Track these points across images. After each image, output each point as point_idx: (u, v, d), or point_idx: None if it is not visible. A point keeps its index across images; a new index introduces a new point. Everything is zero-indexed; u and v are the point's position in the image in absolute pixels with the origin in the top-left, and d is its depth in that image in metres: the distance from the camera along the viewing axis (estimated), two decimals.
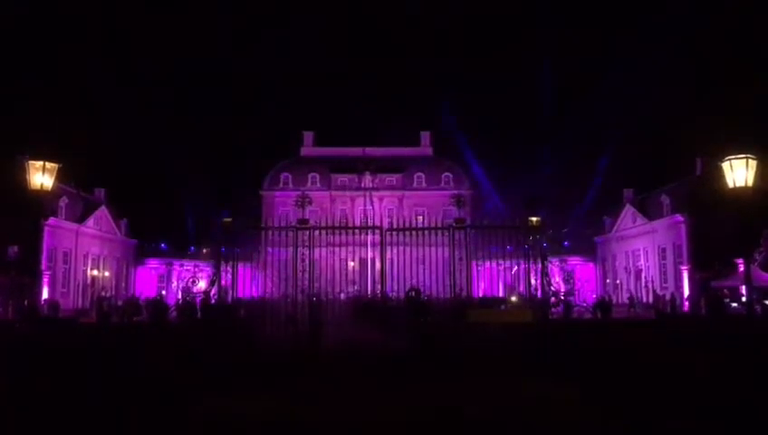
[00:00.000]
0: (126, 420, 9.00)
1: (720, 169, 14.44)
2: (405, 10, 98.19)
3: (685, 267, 43.84)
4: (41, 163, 13.35)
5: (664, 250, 47.35)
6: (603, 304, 27.70)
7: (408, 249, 19.31)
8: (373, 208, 53.19)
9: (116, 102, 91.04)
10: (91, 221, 49.73)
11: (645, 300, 46.12)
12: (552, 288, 18.84)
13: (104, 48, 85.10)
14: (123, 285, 54.53)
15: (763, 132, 29.75)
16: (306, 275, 19.38)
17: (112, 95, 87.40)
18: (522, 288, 20.57)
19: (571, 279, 22.47)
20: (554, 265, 39.26)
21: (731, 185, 13.79)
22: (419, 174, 61.84)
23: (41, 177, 13.34)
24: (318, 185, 60.56)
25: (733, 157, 13.74)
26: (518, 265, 19.65)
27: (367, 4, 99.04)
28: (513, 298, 21.87)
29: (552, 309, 18.91)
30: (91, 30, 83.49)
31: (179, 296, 42.76)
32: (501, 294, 34.20)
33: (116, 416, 9.25)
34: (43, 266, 40.92)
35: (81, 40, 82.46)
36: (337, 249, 23.74)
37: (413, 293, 18.42)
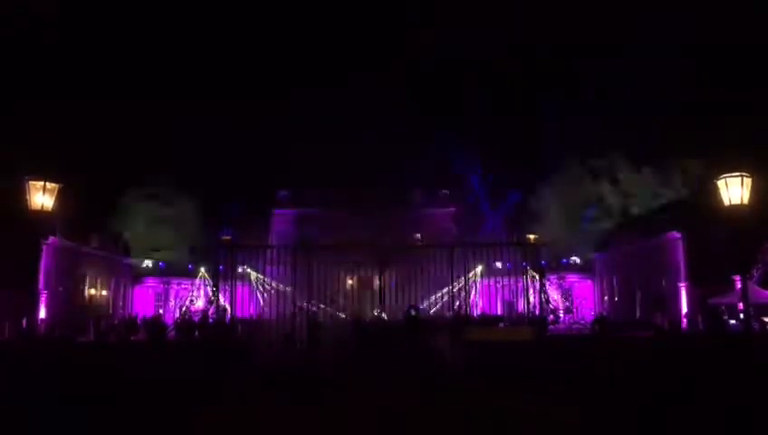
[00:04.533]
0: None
1: (716, 186, 14.56)
2: (406, 19, 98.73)
3: (682, 284, 43.84)
4: (41, 183, 13.40)
5: (661, 267, 47.36)
6: (602, 321, 27.71)
7: (406, 267, 19.39)
8: (372, 226, 53.21)
9: (114, 119, 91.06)
10: (89, 240, 49.69)
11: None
12: (551, 305, 18.89)
13: (102, 66, 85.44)
14: (121, 303, 54.33)
15: (759, 147, 29.92)
16: (305, 294, 19.44)
17: (110, 112, 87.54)
18: (520, 306, 20.62)
19: (569, 296, 22.50)
20: (552, 282, 39.30)
21: (726, 203, 13.91)
22: (417, 191, 61.95)
23: (41, 197, 13.38)
24: (317, 203, 60.64)
25: (728, 175, 13.88)
26: (516, 282, 19.73)
27: (365, 19, 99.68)
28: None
29: (551, 326, 18.96)
30: (89, 43, 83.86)
31: (177, 315, 42.74)
32: (500, 312, 34.21)
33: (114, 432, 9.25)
34: (41, 285, 40.81)
35: (79, 55, 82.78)
36: (336, 268, 23.82)
37: (412, 311, 18.47)
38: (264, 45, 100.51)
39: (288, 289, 19.97)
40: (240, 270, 20.38)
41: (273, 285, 20.97)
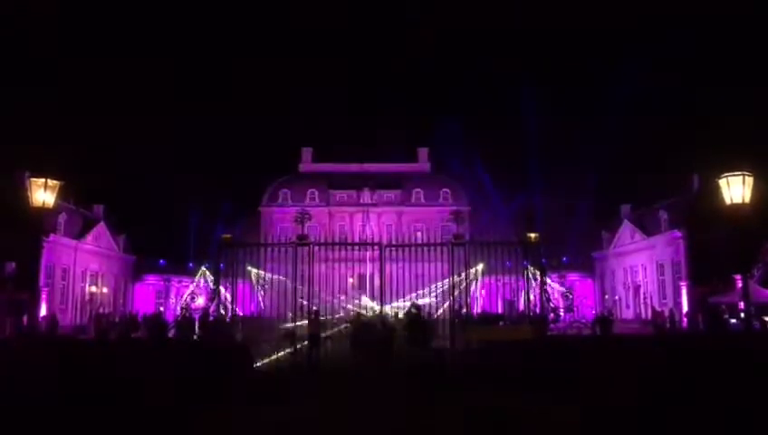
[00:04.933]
0: None
1: (717, 185, 14.55)
2: (405, 17, 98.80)
3: (683, 283, 43.86)
4: (42, 180, 13.40)
5: (662, 266, 47.38)
6: (603, 320, 27.69)
7: (407, 265, 19.36)
8: (372, 224, 53.32)
9: (114, 116, 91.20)
10: (89, 237, 49.72)
11: (643, 316, 46.11)
12: (551, 304, 18.89)
13: (101, 60, 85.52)
14: (121, 301, 54.40)
15: (760, 147, 29.93)
16: (305, 292, 19.42)
17: (109, 109, 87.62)
18: (520, 304, 20.59)
19: (570, 295, 22.52)
20: (553, 281, 39.24)
21: (728, 201, 13.89)
22: (417, 190, 61.99)
23: (42, 194, 13.39)
24: (317, 201, 60.66)
25: (729, 174, 13.86)
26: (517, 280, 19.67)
27: (365, 15, 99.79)
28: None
29: (551, 325, 18.94)
30: (90, 42, 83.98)
31: (178, 313, 42.75)
32: (500, 310, 34.19)
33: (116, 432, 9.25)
34: (42, 283, 40.82)
35: (79, 51, 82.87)
36: (336, 265, 23.80)
37: (414, 310, 18.42)
38: (264, 46, 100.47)
39: (288, 287, 19.95)
40: (240, 268, 20.35)
41: (274, 282, 20.93)
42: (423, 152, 66.23)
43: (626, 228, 52.89)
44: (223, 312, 19.69)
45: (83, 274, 49.10)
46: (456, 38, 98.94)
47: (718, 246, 32.77)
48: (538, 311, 18.95)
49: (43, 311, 39.49)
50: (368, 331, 17.93)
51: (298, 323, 19.22)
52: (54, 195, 13.74)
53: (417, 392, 12.72)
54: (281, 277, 20.49)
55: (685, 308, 41.54)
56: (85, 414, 10.19)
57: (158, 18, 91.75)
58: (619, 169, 72.01)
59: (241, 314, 21.34)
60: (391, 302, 23.17)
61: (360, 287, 37.03)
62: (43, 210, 13.60)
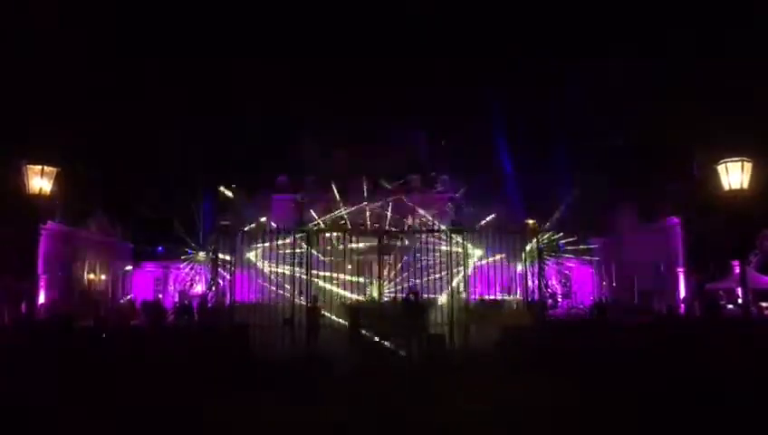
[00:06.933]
0: (127, 423, 9.03)
1: (716, 172, 14.52)
2: (404, 9, 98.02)
3: (680, 269, 43.95)
4: (39, 167, 13.35)
5: (659, 252, 47.43)
6: (601, 307, 27.77)
7: (405, 252, 19.41)
8: (370, 211, 53.29)
9: (112, 102, 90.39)
10: (87, 225, 49.65)
11: (638, 302, 46.30)
12: (549, 290, 18.94)
13: (100, 49, 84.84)
14: (120, 288, 54.48)
15: (759, 133, 29.82)
16: (304, 279, 19.43)
17: (107, 96, 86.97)
18: (518, 290, 20.64)
19: (568, 281, 22.58)
20: (551, 268, 39.33)
21: (726, 188, 13.88)
22: (416, 176, 61.86)
23: (39, 181, 13.34)
24: (315, 188, 60.55)
25: (728, 160, 13.83)
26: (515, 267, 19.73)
27: (364, 2, 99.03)
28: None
29: (549, 311, 19.01)
30: (87, 30, 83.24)
31: (176, 300, 42.87)
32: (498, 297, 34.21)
33: (117, 418, 9.28)
34: (40, 271, 40.79)
35: (77, 41, 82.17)
36: (334, 252, 23.80)
37: (412, 296, 18.43)
38: (264, 46, 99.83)
39: (287, 274, 19.97)
40: (239, 255, 20.35)
41: (273, 269, 20.96)
42: (422, 138, 65.99)
43: (624, 215, 52.92)
44: (222, 299, 19.71)
45: (81, 261, 49.07)
46: (455, 21, 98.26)
47: (716, 233, 32.80)
48: (536, 297, 18.98)
49: (41, 299, 39.51)
50: (367, 312, 18.02)
51: (296, 310, 19.24)
52: (51, 182, 13.69)
53: (418, 378, 12.77)
54: (279, 264, 20.48)
55: (682, 294, 41.65)
56: (81, 403, 10.23)
57: (162, 14, 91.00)
58: (618, 157, 71.65)
59: (239, 301, 21.35)
60: (389, 288, 23.23)
61: (358, 274, 37.14)
62: (40, 197, 13.55)
